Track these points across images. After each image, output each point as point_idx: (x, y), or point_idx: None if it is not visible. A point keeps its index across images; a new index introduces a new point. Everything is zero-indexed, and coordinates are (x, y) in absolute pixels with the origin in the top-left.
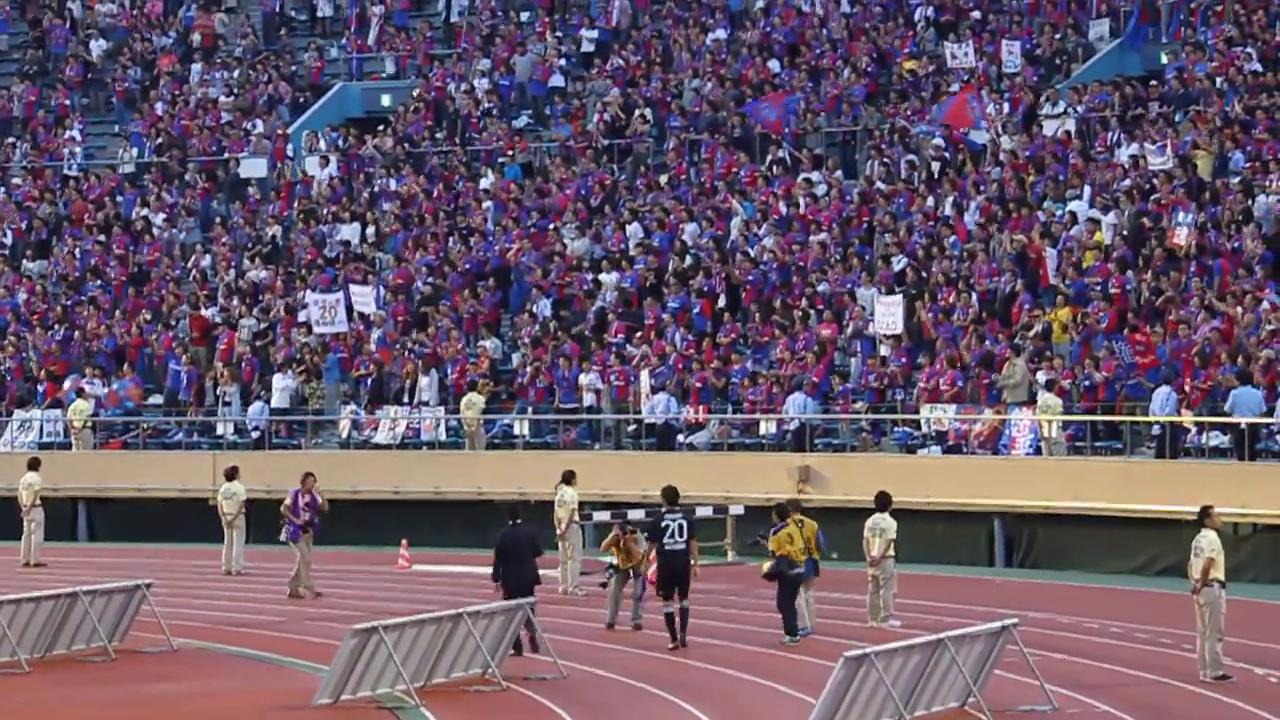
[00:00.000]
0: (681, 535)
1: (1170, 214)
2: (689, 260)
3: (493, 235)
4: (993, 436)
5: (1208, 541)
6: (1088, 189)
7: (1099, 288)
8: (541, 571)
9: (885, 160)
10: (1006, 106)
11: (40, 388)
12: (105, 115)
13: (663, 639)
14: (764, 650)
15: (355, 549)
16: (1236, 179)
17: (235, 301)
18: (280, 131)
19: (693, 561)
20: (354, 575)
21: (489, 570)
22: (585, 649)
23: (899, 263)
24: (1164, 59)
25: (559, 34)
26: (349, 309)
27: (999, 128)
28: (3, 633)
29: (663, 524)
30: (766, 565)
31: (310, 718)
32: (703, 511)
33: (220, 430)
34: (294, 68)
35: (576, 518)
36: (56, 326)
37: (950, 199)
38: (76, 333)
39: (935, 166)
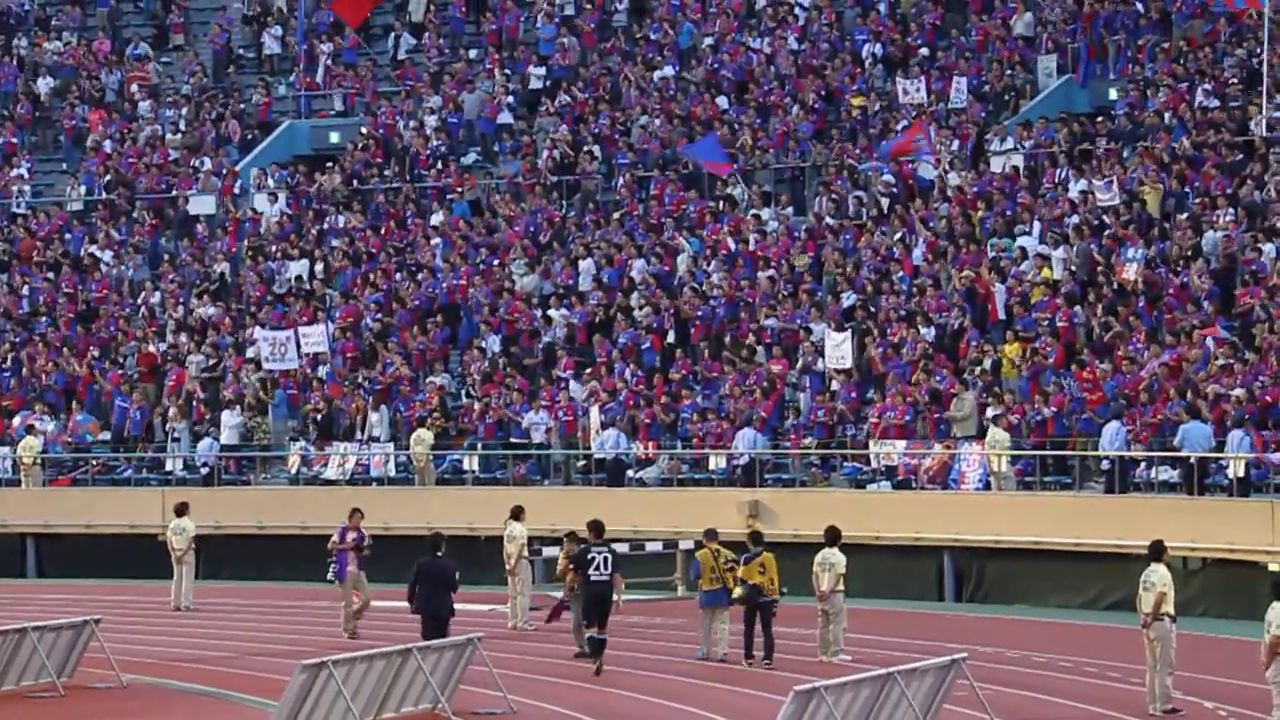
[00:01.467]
0: (607, 567)
1: (1119, 249)
2: (637, 296)
3: (441, 272)
4: (942, 471)
5: (1159, 576)
6: (1036, 224)
7: (1047, 323)
8: (491, 606)
9: (834, 196)
10: (955, 143)
11: None
12: (53, 153)
13: (617, 674)
14: (715, 685)
15: (304, 585)
16: (1185, 215)
17: (184, 338)
18: (228, 169)
19: (616, 595)
20: (303, 611)
21: None
22: (535, 684)
23: (848, 298)
24: (1112, 95)
25: (507, 71)
26: (299, 347)
27: (946, 164)
28: None
29: (589, 556)
30: (737, 591)
31: None
32: (652, 546)
33: (169, 466)
34: (242, 105)
35: (526, 553)
36: (5, 362)
37: (899, 234)
38: (25, 369)
39: (884, 202)
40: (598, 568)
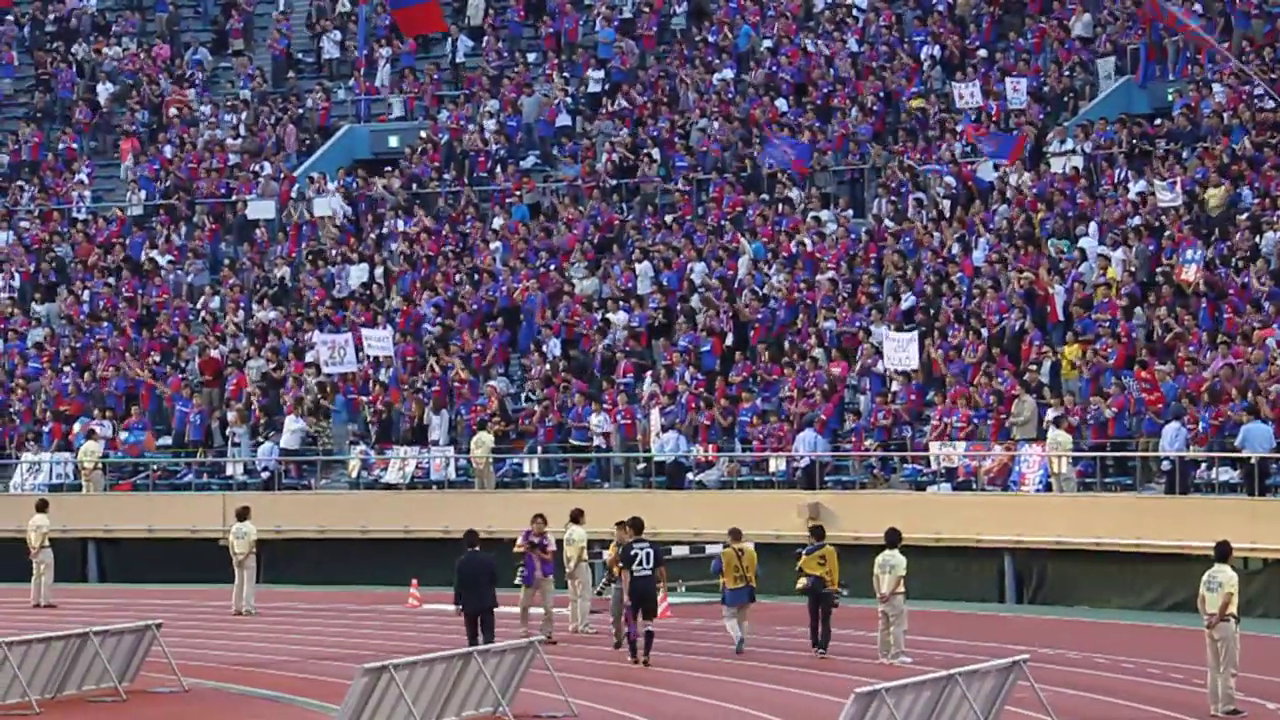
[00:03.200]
0: (649, 562)
1: (1179, 250)
2: (696, 299)
3: (501, 275)
4: (1002, 473)
5: (1226, 577)
6: (1095, 226)
7: (1108, 324)
8: (555, 610)
9: (893, 198)
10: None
11: (47, 429)
12: (113, 158)
13: (676, 675)
14: (775, 687)
15: (365, 588)
16: (1245, 215)
17: (244, 343)
18: (287, 174)
19: (660, 586)
20: (365, 615)
21: (501, 609)
22: (596, 687)
23: (908, 300)
24: (1171, 96)
25: (565, 75)
26: (358, 350)
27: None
28: (13, 674)
29: (632, 552)
30: (801, 582)
31: None
32: (712, 549)
33: (230, 471)
34: (301, 110)
35: (585, 556)
36: (65, 369)
37: (958, 236)
38: (86, 374)
39: (944, 204)
40: (640, 563)
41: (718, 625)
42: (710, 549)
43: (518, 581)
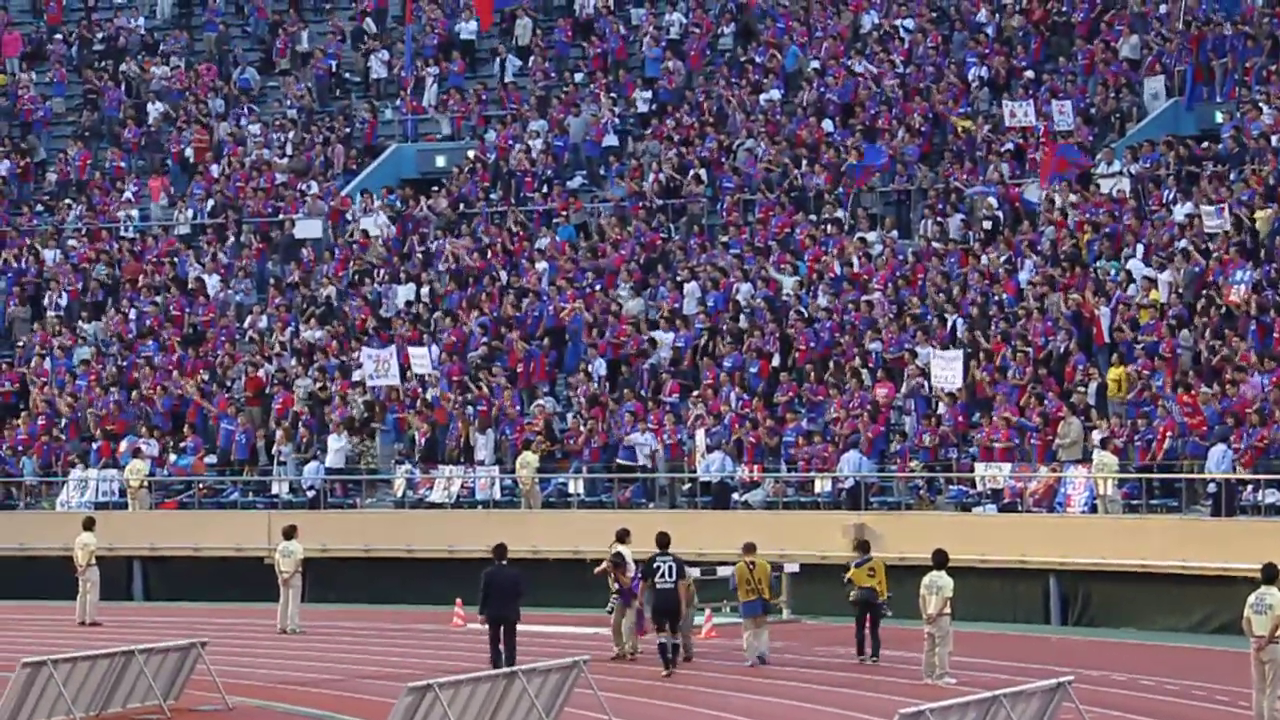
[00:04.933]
0: (671, 575)
1: (1226, 272)
2: (743, 319)
3: (547, 295)
4: (1048, 494)
5: (1276, 599)
6: (1141, 247)
7: (1154, 346)
8: (593, 630)
9: (939, 220)
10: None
11: (95, 447)
12: (161, 177)
13: (718, 696)
14: (818, 707)
15: (410, 608)
16: None
17: (290, 361)
18: (335, 192)
19: (682, 600)
20: (409, 634)
21: (545, 629)
22: (642, 706)
23: (953, 322)
24: (1219, 118)
25: (613, 95)
26: (403, 368)
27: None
28: (59, 691)
29: (654, 565)
30: (852, 594)
31: None
32: (724, 570)
33: (275, 490)
34: (348, 129)
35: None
36: (113, 387)
37: (1005, 258)
38: (133, 393)
39: (989, 225)
40: (663, 576)
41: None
42: (722, 570)
43: (610, 607)
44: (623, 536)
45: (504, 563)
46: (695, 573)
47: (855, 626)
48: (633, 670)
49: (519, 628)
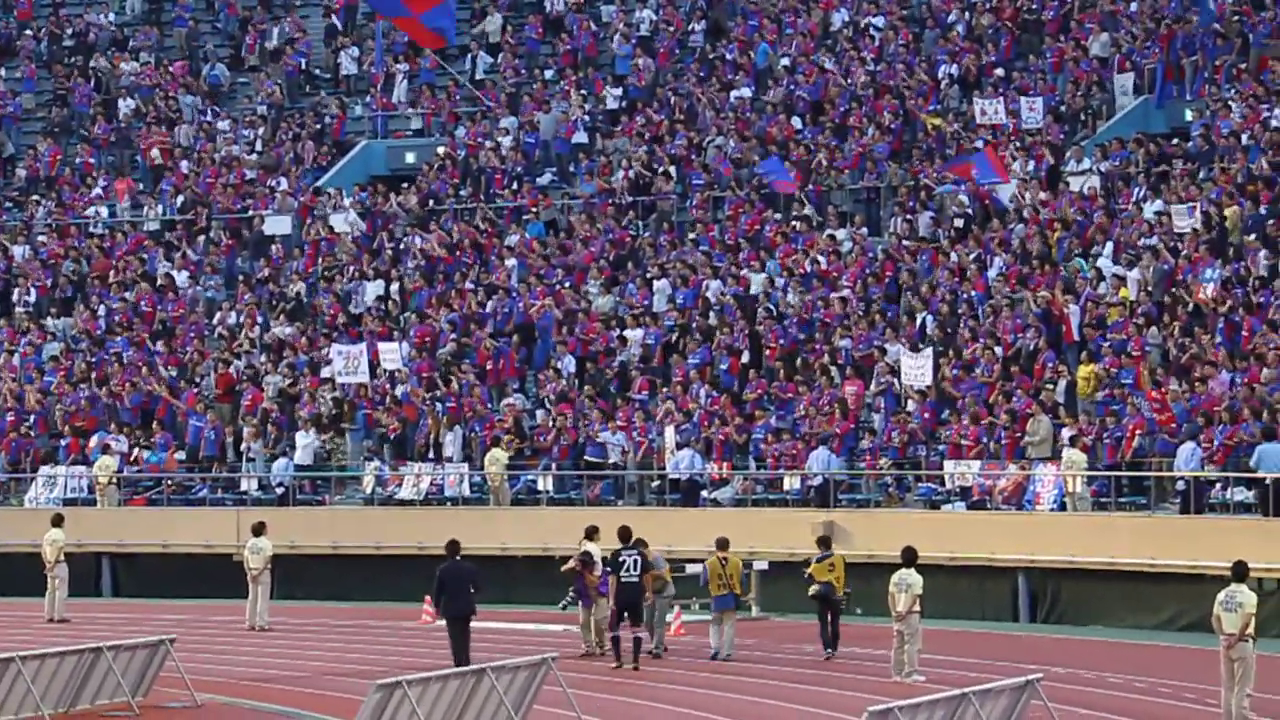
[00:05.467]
0: (636, 569)
1: (1196, 270)
2: (713, 316)
3: (517, 292)
4: (1017, 492)
5: (1246, 597)
6: (1111, 245)
7: (1123, 344)
8: (563, 627)
9: (909, 217)
10: (1031, 163)
11: (63, 443)
12: (131, 173)
13: (687, 692)
14: (787, 705)
15: (379, 605)
16: (1253, 235)
17: (260, 358)
18: (305, 189)
19: (646, 592)
20: (378, 631)
21: (514, 625)
22: (610, 704)
23: (923, 319)
24: (1189, 115)
25: (583, 92)
26: (373, 365)
27: (1023, 186)
28: (26, 688)
29: (620, 559)
30: (812, 589)
31: None
32: (693, 568)
33: (244, 486)
34: (318, 125)
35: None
36: (81, 384)
37: (974, 255)
38: (102, 389)
39: (960, 223)
40: (628, 570)
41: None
42: (690, 568)
43: (564, 604)
44: (591, 534)
45: (458, 558)
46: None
47: (818, 621)
48: (601, 667)
49: (480, 623)
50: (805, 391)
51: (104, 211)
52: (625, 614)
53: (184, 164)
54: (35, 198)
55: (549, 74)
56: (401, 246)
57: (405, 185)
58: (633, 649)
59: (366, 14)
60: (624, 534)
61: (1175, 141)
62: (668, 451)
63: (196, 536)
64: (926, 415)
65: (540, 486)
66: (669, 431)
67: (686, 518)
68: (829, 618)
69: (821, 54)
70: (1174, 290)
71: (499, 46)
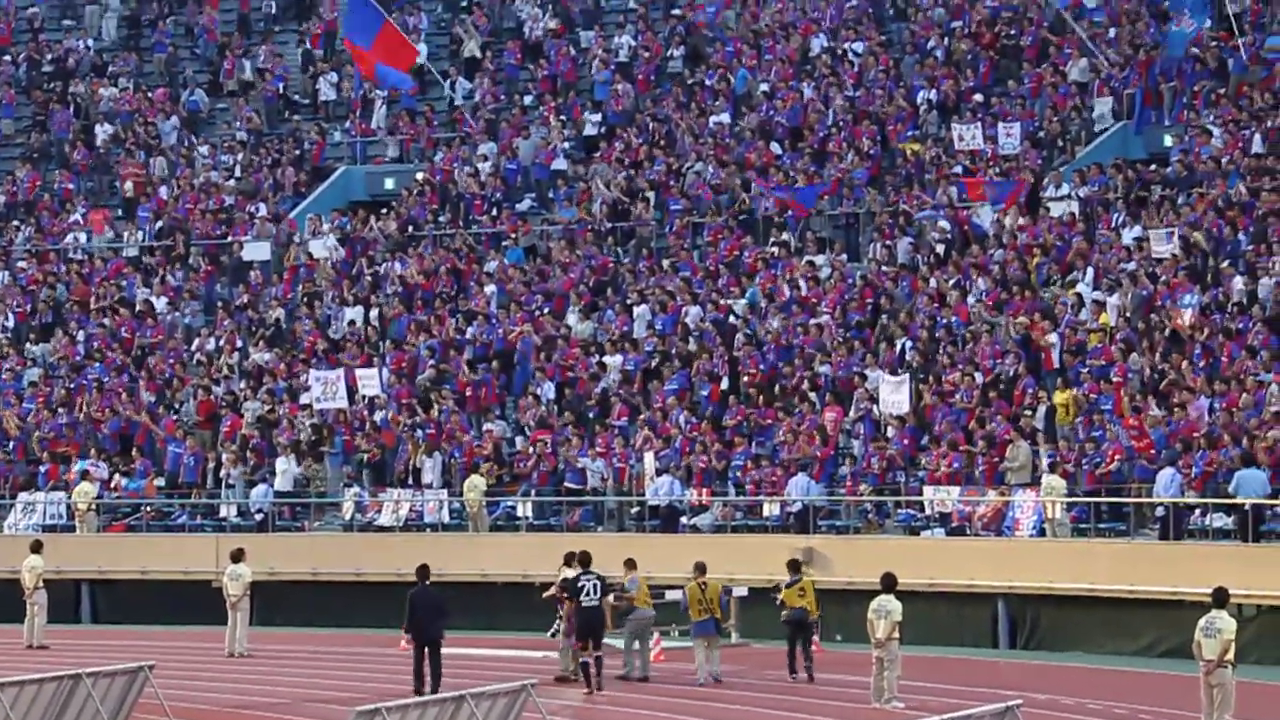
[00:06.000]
0: (595, 593)
1: (1174, 295)
2: (692, 343)
3: (496, 318)
4: (996, 518)
5: (1225, 623)
6: (1091, 271)
7: (1102, 370)
8: (542, 654)
9: (888, 243)
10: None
11: (42, 469)
12: (109, 199)
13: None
14: None
15: (358, 631)
16: (1227, 262)
17: (239, 384)
18: (283, 214)
19: (606, 616)
20: (358, 658)
21: (492, 652)
22: None
23: (903, 345)
24: (1167, 141)
25: (563, 118)
26: (351, 391)
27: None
28: (5, 715)
29: (579, 584)
30: (784, 614)
31: None
32: (672, 594)
33: (224, 513)
34: (297, 151)
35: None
36: (60, 409)
37: (954, 281)
38: (81, 415)
39: (940, 249)
40: (588, 594)
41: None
42: (670, 594)
43: (553, 631)
44: (570, 560)
45: (428, 584)
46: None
47: (787, 646)
48: (577, 694)
49: (458, 650)
50: (784, 418)
51: (83, 237)
52: (587, 638)
53: (163, 190)
54: (14, 223)
55: (528, 99)
56: (381, 272)
57: (384, 211)
58: (596, 670)
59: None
60: (584, 559)
61: (1154, 167)
62: (647, 478)
63: (176, 563)
64: (906, 441)
65: (519, 513)
66: (648, 458)
67: (666, 544)
68: (800, 643)
69: (800, 80)
70: (1152, 316)
71: (478, 72)
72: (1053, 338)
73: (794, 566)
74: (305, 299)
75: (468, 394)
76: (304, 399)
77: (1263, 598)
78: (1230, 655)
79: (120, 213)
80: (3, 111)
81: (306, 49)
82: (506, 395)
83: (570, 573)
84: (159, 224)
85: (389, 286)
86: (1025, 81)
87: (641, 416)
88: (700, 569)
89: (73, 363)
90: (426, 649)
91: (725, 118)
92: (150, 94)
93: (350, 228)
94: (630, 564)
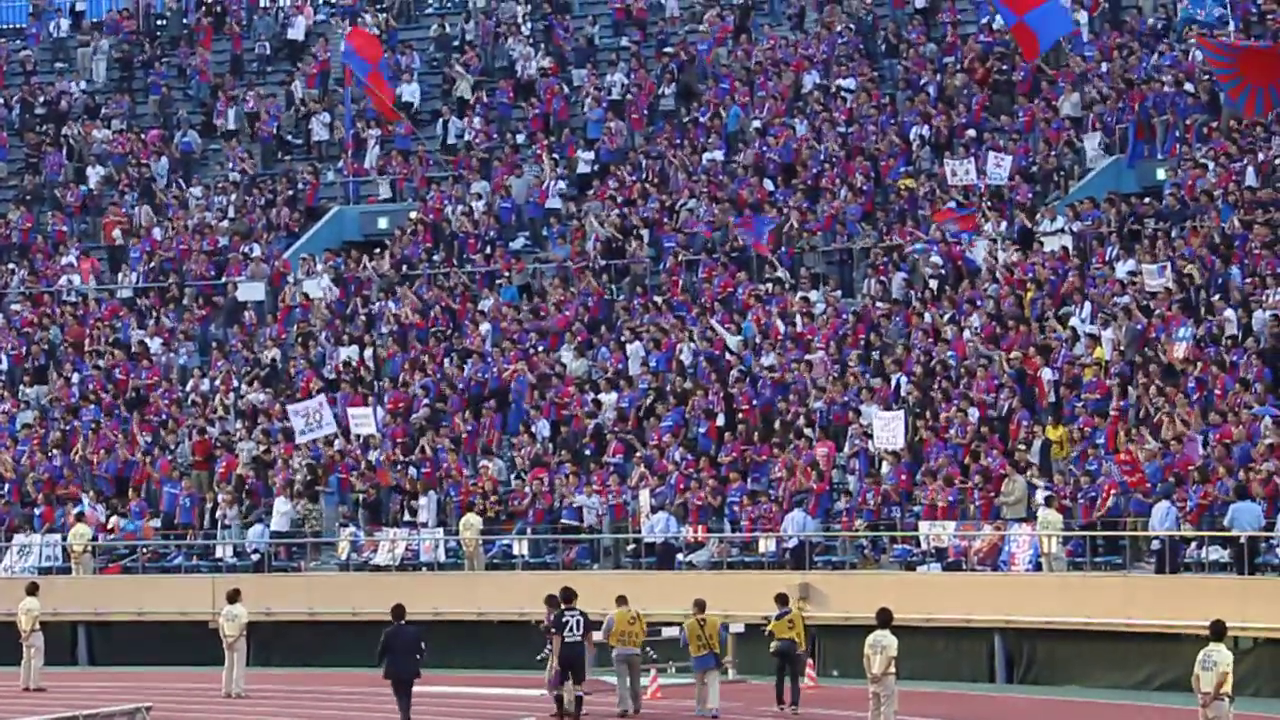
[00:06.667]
0: (578, 629)
1: (1169, 329)
2: (688, 379)
3: (490, 356)
4: (992, 553)
5: (1222, 656)
6: (1087, 305)
7: (1098, 404)
8: (539, 692)
9: (882, 279)
10: (1004, 223)
11: (37, 512)
12: (103, 241)
13: None
14: None
15: (356, 670)
16: (1218, 296)
17: (235, 424)
18: (278, 254)
19: (587, 653)
20: (355, 697)
21: (490, 690)
22: None
23: (897, 380)
24: (1160, 174)
25: (555, 156)
26: (346, 430)
27: (998, 245)
28: None
29: (563, 620)
30: (772, 645)
31: None
32: (669, 631)
33: (220, 553)
34: (291, 191)
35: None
36: (55, 451)
37: (948, 316)
38: (76, 457)
39: (934, 284)
40: (571, 630)
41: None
42: (666, 631)
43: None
44: (552, 602)
45: (404, 622)
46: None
47: (776, 677)
48: None
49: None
50: (780, 454)
51: (76, 279)
52: (568, 673)
53: (155, 231)
54: (8, 265)
55: (520, 138)
56: (375, 311)
57: (378, 250)
58: (575, 706)
59: (338, 79)
60: (567, 595)
61: (1147, 200)
62: (643, 515)
63: (172, 604)
64: (902, 476)
65: (515, 551)
66: (644, 495)
67: (662, 581)
68: (789, 674)
69: (793, 116)
70: (1146, 350)
71: (470, 110)
72: (1047, 372)
73: (782, 600)
74: (300, 339)
75: (463, 434)
76: (297, 439)
77: (1259, 630)
78: (1228, 688)
79: (106, 261)
80: None
81: (289, 91)
82: (501, 434)
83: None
84: (151, 265)
85: (383, 326)
86: (1018, 116)
87: (637, 454)
88: (700, 606)
89: (68, 404)
90: (402, 685)
91: (718, 154)
92: (143, 135)
93: (344, 267)
94: (621, 600)
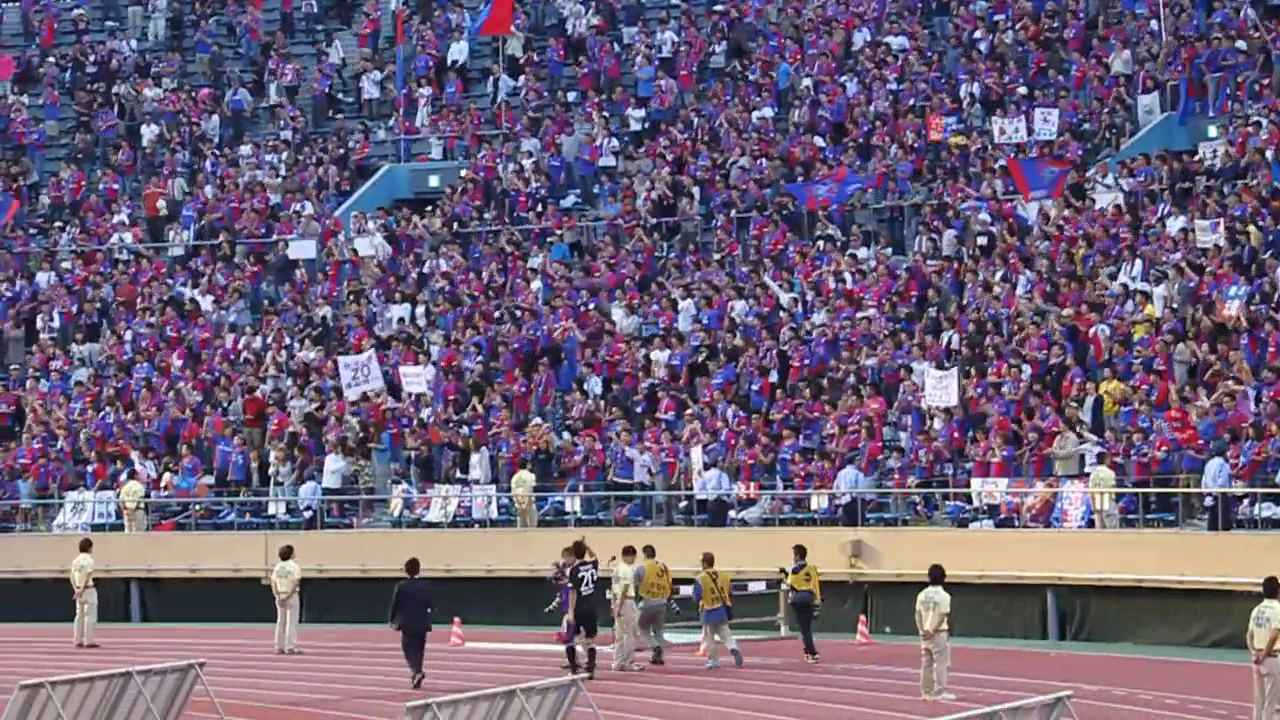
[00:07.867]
0: (593, 583)
1: (1220, 287)
2: (738, 336)
3: (542, 314)
4: (1045, 510)
5: (1275, 612)
6: (1139, 262)
7: (1149, 361)
8: (597, 647)
9: (933, 236)
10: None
11: (90, 469)
12: (145, 213)
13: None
14: None
15: None
16: (1270, 253)
17: (287, 382)
18: (329, 213)
19: (608, 606)
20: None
21: (542, 647)
22: None
23: (949, 337)
24: (1212, 132)
25: (606, 114)
26: (396, 387)
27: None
28: (57, 713)
29: (579, 574)
30: (790, 597)
31: None
32: (755, 586)
33: (272, 510)
34: (342, 150)
35: (631, 593)
36: (107, 409)
37: (1000, 273)
38: (129, 415)
39: (983, 241)
40: (586, 584)
41: (767, 664)
42: (684, 590)
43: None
44: (627, 553)
45: (417, 577)
46: (760, 586)
47: (801, 628)
48: (631, 687)
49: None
50: (831, 411)
51: (128, 238)
52: (581, 626)
53: (207, 189)
54: (59, 224)
55: (571, 96)
56: (426, 270)
57: (429, 209)
58: (588, 659)
59: (389, 38)
60: (578, 549)
61: (1198, 158)
62: (695, 472)
63: (225, 561)
64: (954, 434)
65: (568, 508)
66: (696, 452)
67: (714, 538)
68: (805, 624)
69: (844, 74)
70: (1198, 306)
71: (521, 69)
72: (1103, 329)
73: (800, 552)
74: (351, 296)
75: (515, 391)
76: (348, 395)
77: None
78: (1279, 645)
79: (146, 232)
80: (47, 113)
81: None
82: (553, 391)
83: (624, 568)
84: (201, 224)
85: (435, 283)
86: (1070, 73)
87: (689, 411)
88: (709, 560)
89: (120, 362)
90: (412, 640)
91: (769, 112)
92: (194, 94)
93: (396, 226)
94: (629, 552)
